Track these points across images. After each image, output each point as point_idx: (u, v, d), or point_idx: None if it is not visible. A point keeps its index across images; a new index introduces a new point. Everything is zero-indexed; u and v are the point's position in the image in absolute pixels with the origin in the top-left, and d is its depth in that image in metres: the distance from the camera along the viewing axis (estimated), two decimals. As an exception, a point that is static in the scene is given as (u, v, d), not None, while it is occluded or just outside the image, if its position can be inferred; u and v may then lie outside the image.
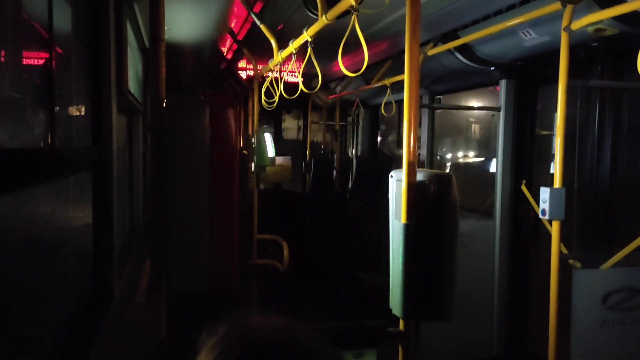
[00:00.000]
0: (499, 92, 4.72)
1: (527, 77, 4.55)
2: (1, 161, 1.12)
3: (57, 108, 1.68)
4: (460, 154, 6.99)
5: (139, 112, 3.80)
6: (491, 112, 5.25)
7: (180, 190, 4.30)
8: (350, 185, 7.74)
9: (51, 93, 1.61)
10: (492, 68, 4.42)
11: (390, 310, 2.08)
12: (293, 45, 3.10)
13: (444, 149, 6.85)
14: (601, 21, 2.71)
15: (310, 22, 2.76)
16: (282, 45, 3.48)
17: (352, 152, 8.85)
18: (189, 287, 4.43)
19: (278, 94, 3.84)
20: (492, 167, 5.03)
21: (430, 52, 4.17)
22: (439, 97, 6.00)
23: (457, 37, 3.92)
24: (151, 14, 2.47)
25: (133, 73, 3.30)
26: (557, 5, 2.78)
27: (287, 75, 3.87)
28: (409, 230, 1.93)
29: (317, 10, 2.60)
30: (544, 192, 2.93)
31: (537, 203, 3.07)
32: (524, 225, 4.64)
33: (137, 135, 3.78)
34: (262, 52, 4.58)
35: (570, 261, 3.12)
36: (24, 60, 1.47)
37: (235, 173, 4.91)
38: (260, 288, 5.21)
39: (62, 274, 1.78)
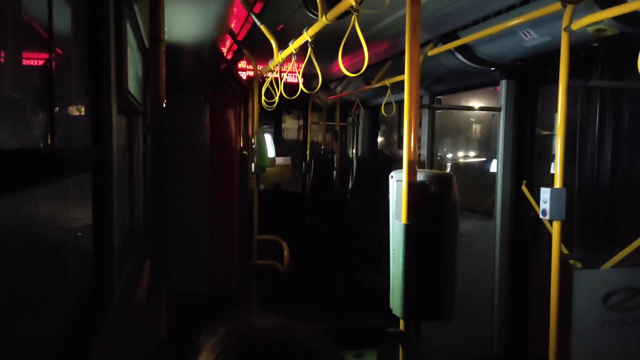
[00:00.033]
0: (499, 92, 4.72)
1: (528, 77, 4.55)
2: (1, 161, 1.12)
3: (57, 108, 1.68)
4: (460, 154, 6.99)
5: (139, 113, 3.80)
6: (492, 112, 5.25)
7: (180, 190, 4.30)
8: (350, 186, 7.74)
9: (51, 93, 1.61)
10: (492, 68, 4.42)
11: (391, 310, 2.08)
12: (293, 46, 3.10)
13: (444, 149, 6.85)
14: (601, 21, 2.71)
15: (310, 23, 2.76)
16: (282, 46, 3.48)
17: (352, 153, 8.85)
18: (189, 287, 4.43)
19: (278, 94, 3.84)
20: (493, 167, 5.03)
21: (431, 53, 4.17)
22: (439, 97, 6.00)
23: (457, 38, 3.92)
24: (151, 15, 2.47)
25: (133, 73, 3.30)
26: (557, 6, 2.78)
27: (287, 75, 3.87)
28: (410, 231, 1.93)
29: (317, 11, 2.60)
30: (545, 193, 2.93)
31: (538, 203, 3.07)
32: (524, 226, 4.63)
33: (137, 135, 3.78)
34: (262, 53, 4.58)
35: (571, 261, 3.12)
36: (24, 60, 1.47)
37: (235, 173, 4.91)
38: (261, 288, 5.20)
39: (62, 275, 1.77)
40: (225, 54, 5.52)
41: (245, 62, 6.45)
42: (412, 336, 2.05)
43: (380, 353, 2.06)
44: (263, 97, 4.22)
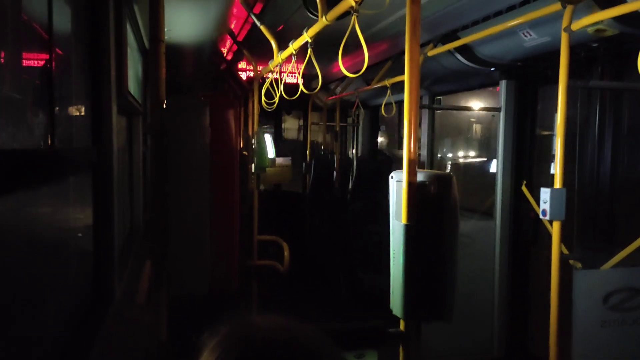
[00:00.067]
0: (499, 92, 4.72)
1: (527, 77, 4.55)
2: (1, 162, 1.12)
3: (57, 109, 1.68)
4: (460, 154, 6.99)
5: (139, 113, 3.80)
6: (492, 113, 5.25)
7: (180, 191, 4.30)
8: (350, 186, 7.74)
9: (51, 94, 1.61)
10: (492, 69, 4.42)
11: (391, 310, 2.08)
12: (293, 46, 3.10)
13: (444, 150, 6.85)
14: (601, 22, 2.71)
15: (310, 23, 2.76)
16: (282, 46, 3.48)
17: (352, 153, 8.85)
18: (190, 288, 4.43)
19: (278, 94, 3.84)
20: (493, 168, 5.03)
21: (430, 53, 4.17)
22: (439, 97, 6.00)
23: (457, 38, 3.92)
24: (151, 15, 2.48)
25: (133, 74, 3.30)
26: (557, 6, 2.78)
27: (287, 76, 3.87)
28: (410, 231, 1.93)
29: (317, 11, 2.60)
30: (545, 193, 2.93)
31: (538, 203, 3.07)
32: (524, 226, 4.63)
33: (137, 136, 3.78)
34: (262, 53, 4.58)
35: (571, 261, 3.12)
36: (24, 61, 1.47)
37: (236, 174, 4.92)
38: (261, 289, 5.20)
39: (62, 275, 1.77)
40: (225, 55, 5.52)
41: (245, 62, 6.46)
42: (412, 336, 2.05)
43: (380, 353, 2.06)
44: (263, 97, 4.22)
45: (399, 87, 4.95)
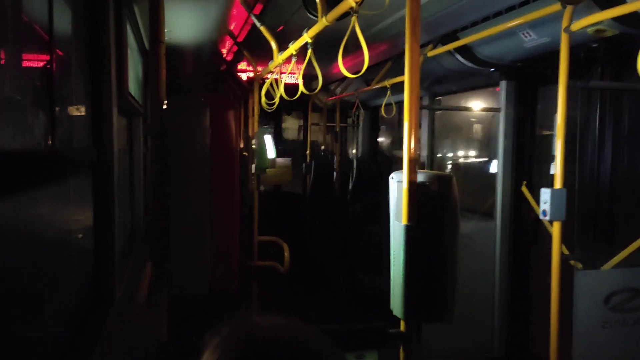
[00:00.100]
0: (499, 93, 4.72)
1: (527, 78, 4.56)
2: (2, 162, 1.12)
3: (58, 110, 1.68)
4: (461, 153, 6.99)
5: (140, 114, 3.80)
6: (492, 113, 5.25)
7: (180, 192, 4.30)
8: (350, 187, 7.74)
9: (52, 95, 1.61)
10: (492, 69, 4.42)
11: (391, 311, 2.08)
12: (293, 47, 3.10)
13: (445, 150, 6.85)
14: (601, 22, 2.71)
15: (310, 24, 2.76)
16: (282, 47, 3.48)
17: (352, 154, 8.85)
18: (190, 289, 4.43)
19: (278, 95, 3.84)
20: (493, 168, 5.03)
21: (430, 54, 4.17)
22: (439, 98, 6.00)
23: (457, 39, 3.93)
24: (151, 16, 2.48)
25: (133, 75, 3.30)
26: (557, 6, 2.78)
27: (287, 76, 3.87)
28: (410, 232, 1.93)
29: (317, 12, 2.60)
30: (545, 193, 2.93)
31: (538, 204, 3.07)
32: (524, 226, 4.63)
33: (138, 137, 3.78)
34: (262, 54, 4.58)
35: (572, 262, 3.12)
36: (25, 62, 1.47)
37: (236, 175, 4.92)
38: (261, 290, 5.20)
39: (63, 276, 1.77)
40: (225, 55, 5.52)
41: (245, 63, 6.46)
42: (413, 337, 2.05)
43: (381, 354, 2.06)
44: (263, 98, 4.22)
45: (399, 88, 4.95)
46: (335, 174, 7.74)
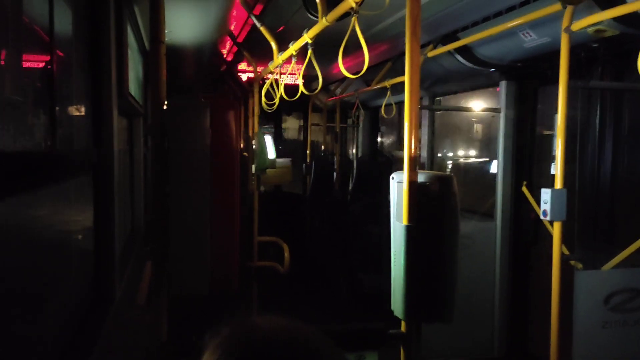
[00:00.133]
0: (499, 93, 4.72)
1: (528, 78, 4.55)
2: (2, 163, 1.12)
3: (58, 110, 1.69)
4: (461, 153, 6.98)
5: (140, 115, 3.80)
6: (492, 113, 5.25)
7: (181, 192, 4.30)
8: (350, 187, 7.74)
9: (52, 95, 1.61)
10: (492, 69, 4.42)
11: (391, 312, 2.08)
12: (293, 47, 3.10)
13: (445, 150, 6.85)
14: (601, 22, 2.71)
15: (310, 24, 2.76)
16: (282, 48, 3.48)
17: (353, 154, 8.85)
18: (190, 289, 4.43)
19: (278, 96, 3.85)
20: (493, 168, 5.03)
21: (431, 54, 4.17)
22: (439, 98, 6.00)
23: (457, 39, 3.93)
24: (151, 17, 2.48)
25: (134, 75, 3.30)
26: (557, 7, 2.78)
27: (287, 77, 3.87)
28: (411, 232, 1.93)
29: (317, 12, 2.61)
30: (545, 194, 2.93)
31: (538, 204, 3.06)
32: (524, 227, 4.63)
33: (138, 137, 3.78)
34: (262, 54, 4.58)
35: (572, 262, 3.12)
36: (25, 63, 1.47)
37: (236, 175, 4.92)
38: (261, 290, 5.20)
39: (63, 276, 1.78)
40: (225, 56, 5.52)
41: (245, 63, 6.46)
42: (413, 337, 2.05)
43: (381, 354, 2.06)
44: (263, 98, 4.22)
45: (399, 88, 4.95)
46: (335, 174, 7.74)
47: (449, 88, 5.64)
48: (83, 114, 2.12)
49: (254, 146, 5.08)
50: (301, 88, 3.32)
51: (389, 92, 4.98)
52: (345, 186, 7.83)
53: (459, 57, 4.22)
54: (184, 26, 3.69)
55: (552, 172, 3.01)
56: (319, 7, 2.57)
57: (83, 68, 2.13)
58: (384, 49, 4.66)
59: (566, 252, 3.05)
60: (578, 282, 2.98)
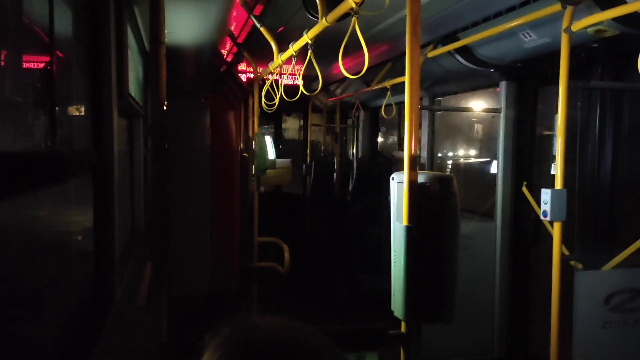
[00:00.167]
0: (499, 93, 4.72)
1: (528, 78, 4.55)
2: (2, 164, 1.12)
3: (58, 111, 1.69)
4: (461, 153, 6.99)
5: (140, 115, 3.80)
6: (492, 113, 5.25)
7: (181, 193, 4.30)
8: (350, 188, 7.74)
9: (52, 96, 1.61)
10: (492, 70, 4.42)
11: (391, 312, 2.08)
12: (293, 48, 3.10)
13: (445, 150, 6.85)
14: (601, 22, 2.71)
15: (310, 25, 2.76)
16: (282, 48, 3.48)
17: (353, 154, 8.85)
18: (190, 289, 4.43)
19: (278, 96, 3.85)
20: (493, 169, 5.03)
21: (431, 54, 4.17)
22: (439, 98, 6.01)
23: (457, 39, 3.93)
24: (151, 17, 2.48)
25: (134, 76, 3.30)
26: (557, 7, 2.78)
27: (287, 77, 3.87)
28: (411, 232, 1.93)
29: (317, 13, 2.61)
30: (545, 194, 2.93)
31: (538, 204, 3.06)
32: (524, 227, 4.63)
33: (138, 138, 3.78)
34: (262, 55, 4.58)
35: (572, 262, 3.12)
36: (26, 64, 1.48)
37: (236, 175, 4.92)
38: (261, 291, 5.20)
39: (64, 277, 1.78)
40: (225, 56, 5.52)
41: (245, 64, 6.46)
42: (413, 338, 2.05)
43: (381, 355, 2.06)
44: (263, 99, 4.22)
45: (399, 89, 4.95)
46: (335, 174, 7.74)
47: (449, 88, 5.64)
48: (83, 114, 2.12)
49: (254, 147, 5.08)
50: (301, 88, 3.32)
51: (389, 93, 4.98)
52: (345, 187, 7.83)
53: (459, 58, 4.22)
54: (184, 27, 3.70)
55: (552, 172, 3.01)
56: (319, 8, 2.57)
57: (83, 69, 2.14)
58: (384, 50, 4.66)
59: (566, 253, 3.05)
60: (578, 283, 2.98)
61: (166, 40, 2.58)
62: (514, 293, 4.71)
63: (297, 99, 3.58)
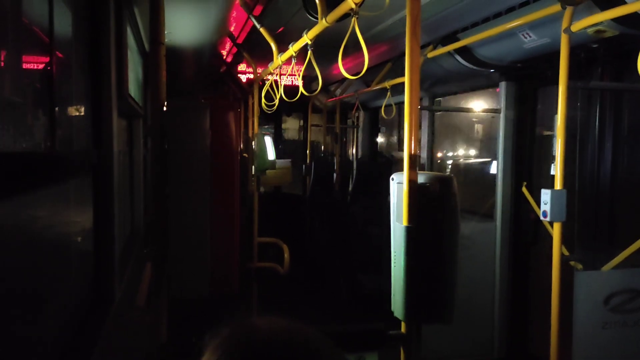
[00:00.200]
0: (499, 94, 4.73)
1: (527, 78, 4.56)
2: (2, 164, 1.12)
3: (58, 112, 1.69)
4: (461, 153, 6.99)
5: (140, 116, 3.80)
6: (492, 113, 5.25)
7: (180, 193, 4.30)
8: (350, 188, 7.74)
9: (52, 97, 1.61)
10: (492, 70, 4.42)
11: (391, 312, 2.08)
12: (293, 49, 3.10)
13: (445, 150, 6.86)
14: (601, 23, 2.71)
15: (310, 25, 2.76)
16: (282, 49, 3.48)
17: (352, 155, 8.86)
18: (190, 290, 4.43)
19: (278, 97, 3.85)
20: (493, 169, 5.03)
21: (430, 55, 4.17)
22: (438, 99, 6.01)
23: (457, 40, 3.93)
24: (151, 18, 2.48)
25: (133, 76, 3.30)
26: (556, 7, 2.78)
27: (287, 78, 3.87)
28: (411, 233, 1.93)
29: (317, 13, 2.61)
30: (545, 194, 2.93)
31: (538, 205, 3.06)
32: (524, 227, 4.63)
33: (138, 138, 3.78)
34: (262, 55, 4.58)
35: (572, 263, 3.12)
36: (25, 64, 1.47)
37: (236, 176, 4.92)
38: (261, 291, 5.20)
39: (63, 277, 1.78)
40: (225, 57, 5.53)
41: (245, 64, 6.46)
42: (413, 338, 2.04)
43: (381, 355, 2.06)
44: (263, 99, 4.22)
45: (398, 89, 4.96)
46: (335, 175, 7.74)
47: (448, 89, 5.65)
48: (83, 114, 2.12)
49: (253, 147, 5.08)
50: (301, 89, 3.32)
51: (388, 93, 4.98)
52: (345, 187, 7.83)
53: (459, 58, 4.22)
54: (183, 27, 3.70)
55: (552, 172, 3.01)
56: (319, 8, 2.57)
57: (83, 69, 2.14)
58: (384, 50, 4.66)
59: (566, 253, 3.05)
60: (578, 283, 2.98)
61: (166, 40, 2.58)
62: (514, 293, 4.71)
63: (297, 99, 3.58)
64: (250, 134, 5.53)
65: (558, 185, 2.91)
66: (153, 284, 2.62)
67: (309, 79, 6.46)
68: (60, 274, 1.75)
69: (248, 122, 6.08)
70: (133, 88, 3.20)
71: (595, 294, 2.99)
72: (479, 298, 4.65)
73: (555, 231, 2.94)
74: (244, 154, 5.42)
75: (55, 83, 1.64)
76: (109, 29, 2.26)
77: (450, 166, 6.78)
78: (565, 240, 2.97)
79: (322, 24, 2.57)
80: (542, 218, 3.00)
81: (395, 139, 8.26)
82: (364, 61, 2.21)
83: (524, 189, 4.28)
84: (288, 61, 3.35)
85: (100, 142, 2.23)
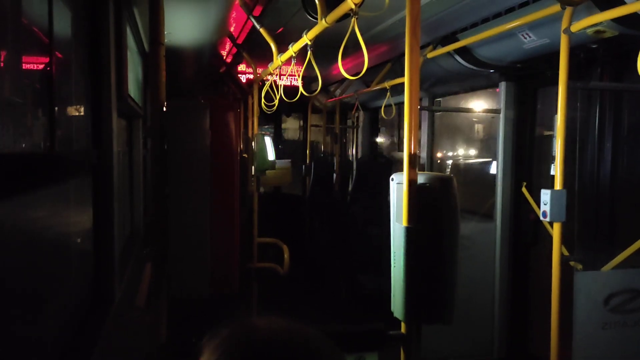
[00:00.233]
0: (499, 94, 4.73)
1: (527, 79, 4.56)
2: (2, 164, 1.12)
3: (58, 112, 1.69)
4: (461, 153, 6.99)
5: (139, 116, 3.80)
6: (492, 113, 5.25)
7: (180, 193, 4.31)
8: (350, 188, 7.74)
9: (51, 97, 1.61)
10: (491, 70, 4.43)
11: (391, 313, 2.08)
12: (293, 49, 3.10)
13: (444, 150, 6.85)
14: (601, 23, 2.71)
15: (310, 26, 2.76)
16: (281, 49, 3.48)
17: (352, 154, 8.86)
18: (190, 290, 4.43)
19: (278, 97, 3.85)
20: (493, 169, 5.03)
21: (430, 55, 4.17)
22: (438, 99, 6.01)
23: (457, 40, 3.93)
24: (151, 18, 2.48)
25: (133, 77, 3.30)
26: (556, 8, 2.79)
27: (287, 78, 3.87)
28: (410, 233, 1.93)
29: (317, 14, 2.61)
30: (545, 194, 2.93)
31: (538, 205, 3.06)
32: (524, 227, 4.63)
33: (138, 139, 3.78)
34: (261, 56, 4.58)
35: (572, 263, 3.12)
36: (25, 64, 1.48)
37: (236, 176, 4.92)
38: (261, 291, 5.20)
39: (63, 277, 1.77)
40: (225, 57, 5.53)
41: (245, 65, 6.46)
42: (413, 338, 2.04)
43: (381, 355, 2.06)
44: (263, 99, 4.22)
45: (398, 89, 4.96)
46: (335, 175, 7.74)
47: (448, 89, 5.65)
48: (82, 115, 2.12)
49: (253, 147, 5.08)
50: (301, 89, 3.32)
51: (388, 93, 4.98)
52: (345, 187, 7.83)
53: (459, 58, 4.22)
54: (183, 28, 3.70)
55: (552, 172, 3.01)
56: (319, 9, 2.57)
57: (82, 69, 2.14)
58: (384, 50, 4.66)
59: (566, 253, 3.05)
60: (578, 283, 2.98)
61: (166, 41, 2.58)
62: (514, 293, 4.71)
63: (297, 99, 3.58)
64: (250, 134, 5.53)
65: (558, 185, 2.91)
66: (153, 284, 2.62)
67: (308, 79, 6.46)
68: (60, 274, 1.75)
69: (248, 123, 6.08)
70: (133, 88, 3.20)
71: (595, 294, 2.99)
72: (479, 298, 4.65)
73: (555, 231, 2.94)
74: (244, 154, 5.42)
75: (55, 83, 1.64)
76: (108, 29, 2.26)
77: (450, 166, 6.78)
78: (565, 240, 2.97)
79: (321, 25, 2.57)
80: (542, 218, 3.00)
81: (395, 139, 8.26)
82: (363, 61, 2.21)
83: (524, 189, 4.28)
84: (288, 61, 3.35)
85: (100, 142, 2.23)
